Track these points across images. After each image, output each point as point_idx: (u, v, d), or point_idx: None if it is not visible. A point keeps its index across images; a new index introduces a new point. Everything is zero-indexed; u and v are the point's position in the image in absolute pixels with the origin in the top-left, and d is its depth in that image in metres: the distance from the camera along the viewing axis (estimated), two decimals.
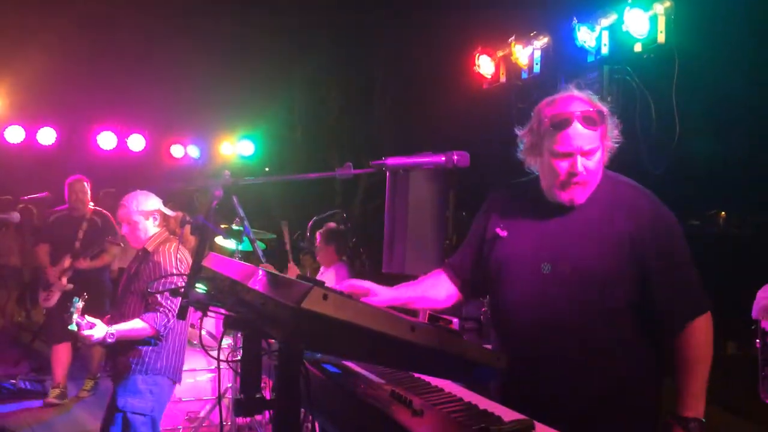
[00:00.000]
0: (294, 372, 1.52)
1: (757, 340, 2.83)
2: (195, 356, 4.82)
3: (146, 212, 3.67)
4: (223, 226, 4.77)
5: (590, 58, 4.91)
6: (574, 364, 2.07)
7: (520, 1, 6.67)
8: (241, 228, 3.84)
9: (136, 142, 9.75)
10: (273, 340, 1.82)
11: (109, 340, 3.31)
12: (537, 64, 5.57)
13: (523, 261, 2.18)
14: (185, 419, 5.03)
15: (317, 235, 5.50)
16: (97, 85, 9.98)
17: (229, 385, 5.06)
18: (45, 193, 6.20)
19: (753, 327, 2.91)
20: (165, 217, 3.73)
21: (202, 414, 5.00)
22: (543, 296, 2.11)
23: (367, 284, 2.21)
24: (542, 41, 5.52)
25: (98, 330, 3.29)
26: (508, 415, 1.53)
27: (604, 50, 4.85)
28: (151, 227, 3.66)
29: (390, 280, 2.41)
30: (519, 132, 2.25)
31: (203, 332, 5.13)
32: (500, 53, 6.03)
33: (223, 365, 2.06)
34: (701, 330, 2.08)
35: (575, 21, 4.90)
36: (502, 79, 6.02)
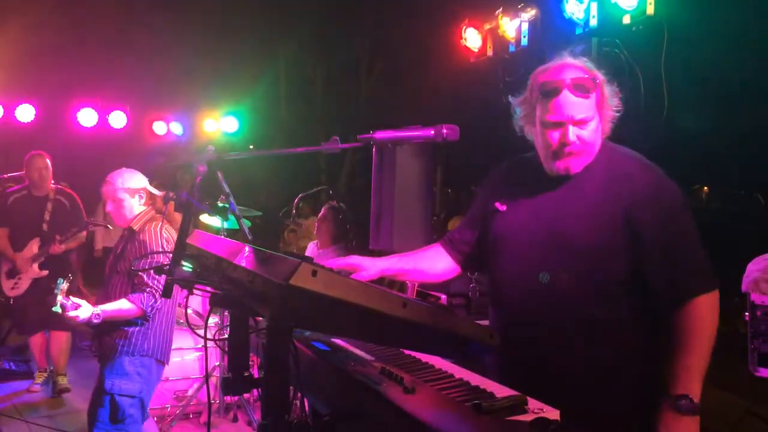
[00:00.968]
0: (282, 350, 1.49)
1: (746, 313, 2.85)
2: (182, 335, 4.79)
3: (131, 190, 3.60)
4: (207, 202, 4.71)
5: (578, 31, 4.86)
6: (569, 338, 2.04)
7: None
8: (227, 205, 3.79)
9: (118, 119, 9.58)
10: (261, 318, 1.79)
11: (95, 321, 3.26)
12: (524, 36, 5.51)
13: (518, 234, 2.14)
14: (173, 398, 5.01)
15: (323, 209, 5.36)
16: (77, 61, 9.79)
17: (217, 363, 5.05)
18: (23, 172, 5.68)
19: (736, 299, 2.93)
20: (151, 196, 3.66)
21: (189, 393, 4.98)
22: (537, 269, 2.07)
23: (356, 259, 2.18)
24: (530, 13, 5.45)
25: (84, 311, 3.25)
26: (500, 391, 1.51)
27: (593, 22, 4.80)
28: (136, 205, 3.60)
29: (377, 256, 2.38)
30: (513, 101, 2.21)
31: (189, 311, 5.11)
32: (487, 26, 5.95)
33: (210, 344, 2.03)
34: (704, 308, 1.98)
35: None
36: (490, 52, 5.96)
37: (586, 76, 2.04)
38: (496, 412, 1.36)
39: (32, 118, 9.03)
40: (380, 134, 2.11)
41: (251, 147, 11.90)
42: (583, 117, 2.02)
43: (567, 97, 2.01)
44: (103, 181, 3.69)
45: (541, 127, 2.09)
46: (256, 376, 1.72)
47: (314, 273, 1.25)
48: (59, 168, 5.92)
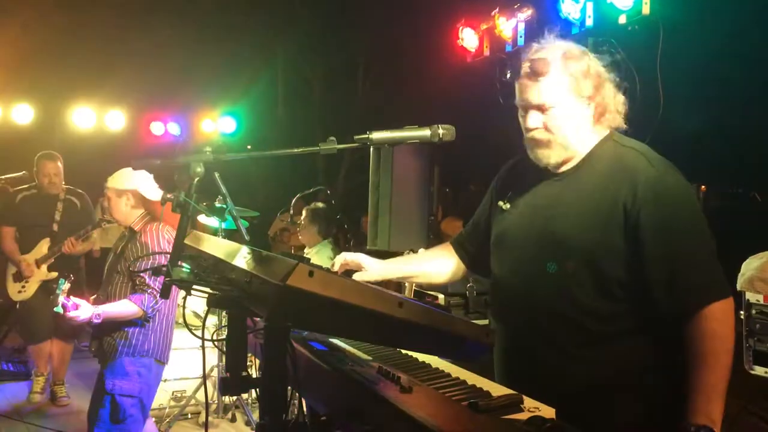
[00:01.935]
0: (280, 350, 1.50)
1: (742, 312, 2.87)
2: (181, 335, 4.79)
3: (118, 191, 3.58)
4: (204, 203, 4.71)
5: (575, 30, 4.88)
6: (565, 343, 1.93)
7: None
8: (224, 206, 3.78)
9: (115, 120, 9.59)
10: (259, 318, 1.80)
11: (96, 321, 3.27)
12: (521, 36, 5.52)
13: (517, 232, 2.05)
14: (171, 398, 5.02)
15: (303, 211, 5.44)
16: (75, 61, 9.78)
17: (215, 363, 5.05)
18: (23, 173, 5.57)
19: (741, 299, 2.94)
20: (141, 198, 3.58)
21: (188, 393, 4.99)
22: (534, 269, 1.96)
23: (361, 257, 2.19)
24: (526, 13, 5.46)
25: (84, 311, 3.25)
26: (496, 390, 1.52)
27: (589, 22, 4.82)
28: (123, 206, 3.57)
29: (375, 256, 2.39)
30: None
31: (188, 311, 5.11)
32: (484, 26, 5.97)
33: (208, 344, 2.04)
34: (718, 317, 1.75)
35: None
36: (486, 52, 5.97)
37: (541, 57, 1.89)
38: (492, 411, 1.37)
39: (29, 119, 9.03)
40: (377, 135, 2.12)
41: (249, 147, 11.90)
42: (540, 102, 1.89)
43: (522, 80, 1.93)
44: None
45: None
46: (254, 376, 1.72)
47: (311, 273, 1.26)
48: None
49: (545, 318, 1.95)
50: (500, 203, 2.13)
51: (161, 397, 4.91)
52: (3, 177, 5.62)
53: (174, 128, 10.21)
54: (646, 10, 4.37)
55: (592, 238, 1.87)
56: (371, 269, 2.13)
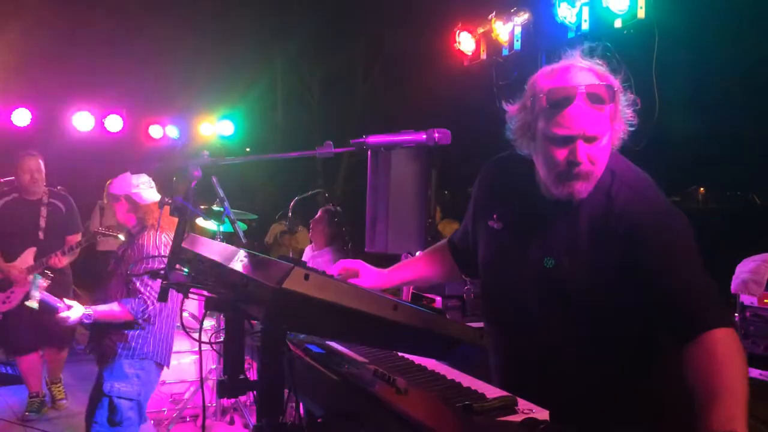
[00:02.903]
0: (277, 352, 1.51)
1: (736, 314, 2.88)
2: (179, 338, 4.79)
3: (113, 195, 3.62)
4: (202, 207, 4.72)
5: (570, 34, 4.91)
6: (564, 373, 1.86)
7: None
8: (222, 209, 3.80)
9: (114, 123, 9.57)
10: (255, 321, 1.81)
11: (86, 321, 3.28)
12: (517, 40, 5.56)
13: (511, 259, 1.94)
14: (169, 401, 5.02)
15: (320, 211, 5.45)
16: (73, 65, 9.81)
17: (213, 366, 5.06)
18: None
19: (732, 300, 2.96)
20: (135, 203, 3.58)
21: (186, 396, 5.00)
22: (529, 295, 1.89)
23: (360, 265, 2.21)
24: (522, 17, 5.50)
25: (75, 311, 3.26)
26: (491, 392, 1.53)
27: (585, 26, 4.86)
28: (119, 211, 3.60)
29: (372, 259, 2.41)
30: (508, 108, 1.90)
31: (186, 314, 5.12)
32: (480, 30, 6.00)
33: (206, 347, 2.05)
34: (727, 341, 1.63)
35: None
36: (483, 56, 6.00)
37: (603, 83, 1.73)
38: (487, 413, 1.39)
39: (28, 122, 9.03)
40: (373, 139, 2.13)
41: (247, 150, 11.92)
42: (595, 132, 1.72)
43: (580, 108, 1.70)
44: None
45: (546, 142, 1.77)
46: (252, 378, 1.73)
47: (306, 277, 1.27)
48: (55, 172, 5.82)
49: (539, 338, 1.89)
50: (490, 223, 2.01)
51: (160, 400, 4.92)
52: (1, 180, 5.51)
53: (172, 131, 10.20)
54: (641, 14, 4.40)
55: (586, 280, 1.80)
56: (368, 280, 2.14)
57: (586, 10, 4.84)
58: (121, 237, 4.72)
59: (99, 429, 3.36)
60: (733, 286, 2.86)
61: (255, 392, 1.69)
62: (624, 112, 1.79)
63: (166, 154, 9.90)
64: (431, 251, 2.41)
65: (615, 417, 1.85)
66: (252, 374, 1.84)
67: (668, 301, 1.72)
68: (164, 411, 4.96)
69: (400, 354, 1.84)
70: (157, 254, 3.40)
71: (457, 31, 6.10)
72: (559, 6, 4.89)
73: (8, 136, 8.73)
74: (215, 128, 10.59)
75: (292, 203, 5.95)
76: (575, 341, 1.84)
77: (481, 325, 2.16)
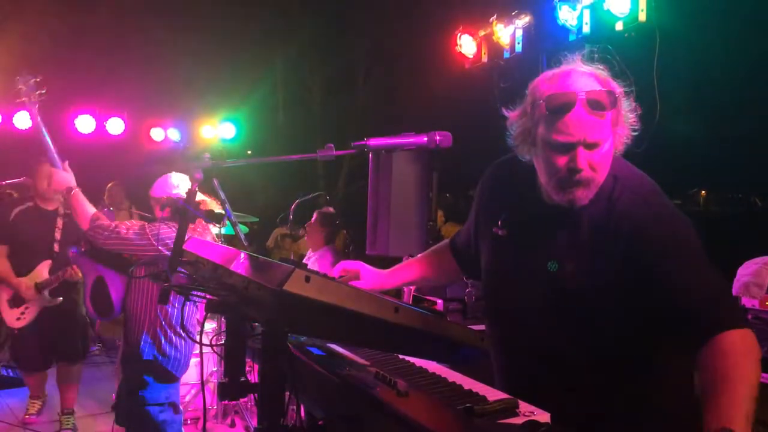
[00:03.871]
0: (278, 355, 1.51)
1: None
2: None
3: (155, 198, 3.63)
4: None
5: (572, 37, 4.92)
6: (569, 379, 1.84)
7: None
8: (223, 211, 3.81)
9: (115, 126, 9.61)
10: (257, 324, 1.81)
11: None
12: (519, 43, 5.57)
13: (516, 265, 1.91)
14: None
15: (315, 214, 5.47)
16: (75, 68, 9.81)
17: (215, 369, 5.06)
18: (23, 179, 5.17)
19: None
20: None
21: (187, 399, 5.00)
22: (534, 303, 1.87)
23: (360, 266, 2.21)
24: (524, 20, 5.51)
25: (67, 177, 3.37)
26: (492, 394, 1.53)
27: (586, 29, 4.86)
28: (159, 213, 3.61)
29: (373, 261, 2.41)
30: (508, 114, 1.88)
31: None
32: (482, 33, 6.01)
33: (207, 349, 2.05)
34: (737, 342, 1.60)
35: None
36: (484, 58, 6.01)
37: (604, 89, 1.71)
38: (488, 416, 1.38)
39: (30, 125, 9.04)
40: (374, 141, 2.13)
41: (249, 152, 11.94)
42: (596, 139, 1.70)
43: (580, 114, 1.68)
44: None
45: (546, 148, 1.76)
46: (253, 381, 1.73)
47: (307, 279, 1.27)
48: None
49: (542, 345, 1.88)
50: (494, 229, 1.98)
51: None
52: (3, 183, 5.42)
53: (174, 134, 10.22)
54: (642, 17, 4.41)
55: (589, 286, 1.78)
56: (369, 280, 2.14)
57: (587, 13, 4.85)
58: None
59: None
60: (734, 289, 2.86)
61: (256, 395, 1.69)
62: (627, 117, 1.77)
63: (168, 157, 9.91)
64: (432, 252, 2.41)
65: (616, 421, 1.84)
66: (253, 377, 1.84)
67: (679, 303, 1.68)
68: None
69: (401, 356, 1.84)
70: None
71: (459, 34, 6.11)
72: (560, 9, 4.91)
73: (10, 139, 8.75)
74: (217, 131, 10.62)
75: (293, 206, 5.95)
76: (577, 345, 1.83)
77: (482, 327, 2.15)
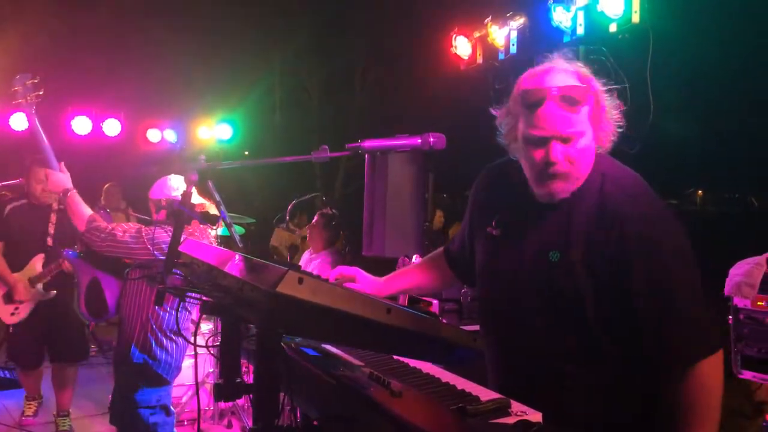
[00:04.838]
0: (272, 356, 1.52)
1: (730, 317, 2.90)
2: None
3: (153, 200, 3.63)
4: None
5: (566, 39, 4.94)
6: (559, 372, 1.85)
7: None
8: (217, 213, 3.82)
9: (112, 127, 9.59)
10: (251, 325, 1.82)
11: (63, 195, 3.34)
12: (513, 44, 5.59)
13: (510, 263, 1.93)
14: None
15: (317, 215, 5.47)
16: (72, 69, 9.80)
17: (211, 370, 5.07)
18: (19, 180, 5.07)
19: (728, 304, 2.98)
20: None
21: (183, 400, 5.00)
22: (516, 303, 1.90)
23: (357, 272, 2.22)
24: (518, 22, 5.53)
25: (64, 179, 3.34)
26: (485, 394, 1.54)
27: (580, 30, 4.88)
28: (158, 216, 3.62)
29: (370, 262, 2.43)
30: (496, 113, 1.93)
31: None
32: (477, 34, 6.03)
33: (203, 350, 2.06)
34: (707, 375, 1.69)
35: (551, 1, 4.93)
36: (479, 60, 6.03)
37: (578, 84, 1.75)
38: (480, 415, 1.40)
39: (27, 127, 9.02)
40: (368, 143, 2.14)
41: (246, 153, 11.94)
42: (570, 132, 1.74)
43: (552, 108, 1.73)
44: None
45: (525, 143, 1.81)
46: (249, 382, 1.74)
47: (300, 281, 1.28)
48: None
49: (539, 344, 1.88)
50: (488, 229, 2.01)
51: None
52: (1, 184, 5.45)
53: (170, 135, 10.21)
54: (635, 18, 4.43)
55: (570, 286, 1.79)
56: (365, 287, 2.16)
57: (581, 15, 4.87)
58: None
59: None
60: (727, 288, 2.88)
61: (251, 395, 1.70)
62: (611, 113, 1.79)
63: (164, 159, 9.91)
64: (427, 260, 2.43)
65: (608, 421, 1.85)
66: (250, 378, 1.86)
67: (652, 327, 1.72)
68: None
69: (396, 357, 1.86)
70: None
71: (454, 36, 6.13)
72: (554, 10, 4.92)
73: (7, 141, 8.74)
74: (213, 132, 10.61)
75: (289, 206, 5.97)
76: (570, 344, 1.84)
77: (476, 327, 2.16)
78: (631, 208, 1.76)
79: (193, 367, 5.05)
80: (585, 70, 1.82)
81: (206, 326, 4.89)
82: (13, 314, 4.73)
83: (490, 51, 5.90)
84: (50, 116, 9.32)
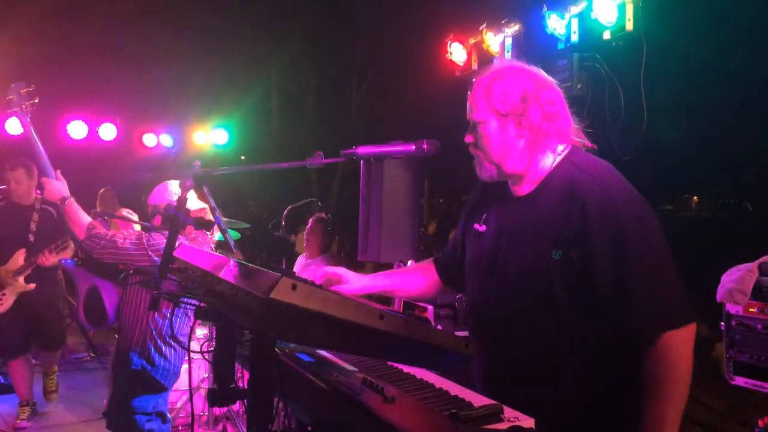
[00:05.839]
0: (266, 361, 1.53)
1: (722, 323, 2.91)
2: None
3: (153, 206, 3.62)
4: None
5: (560, 46, 4.97)
6: (542, 362, 1.89)
7: None
8: (212, 219, 3.82)
9: (108, 132, 9.58)
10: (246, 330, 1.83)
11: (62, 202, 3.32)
12: (508, 51, 5.61)
13: (489, 256, 2.01)
14: None
15: (312, 221, 5.49)
16: (67, 73, 9.81)
17: (206, 375, 5.06)
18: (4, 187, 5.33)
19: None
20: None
21: (178, 405, 4.99)
22: (495, 296, 1.96)
23: (341, 271, 2.23)
24: (513, 28, 5.56)
25: (61, 186, 3.34)
26: (478, 400, 1.55)
27: (574, 38, 4.91)
28: (157, 222, 3.61)
29: (366, 267, 2.43)
30: None
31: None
32: (472, 40, 6.06)
33: (197, 356, 2.07)
34: (674, 346, 1.70)
35: (545, 8, 4.96)
36: (474, 66, 6.05)
37: (485, 76, 1.97)
38: (473, 421, 1.40)
39: (22, 131, 9.00)
40: (363, 150, 2.16)
41: (243, 158, 11.93)
42: (472, 117, 1.96)
43: (470, 95, 1.99)
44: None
45: None
46: (245, 388, 1.75)
47: (294, 287, 1.29)
48: None
49: (520, 337, 1.92)
50: (476, 225, 2.10)
51: None
52: None
53: (166, 140, 10.20)
54: (629, 26, 4.46)
55: (534, 268, 1.85)
56: (351, 283, 2.17)
57: (575, 22, 4.90)
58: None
59: None
60: (719, 295, 2.89)
61: (246, 401, 1.71)
62: (543, 108, 1.88)
63: (159, 165, 9.89)
64: (416, 265, 2.47)
65: (600, 425, 1.86)
66: (244, 383, 1.86)
67: (619, 300, 1.73)
68: None
69: (389, 363, 1.86)
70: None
71: (449, 42, 6.15)
72: (549, 18, 4.95)
73: (2, 145, 8.72)
74: (209, 137, 10.61)
75: (285, 212, 5.97)
76: (557, 345, 1.86)
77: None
78: (593, 185, 1.81)
79: (187, 373, 5.07)
80: (528, 68, 1.96)
81: (201, 331, 4.89)
82: None
83: (485, 57, 5.93)
84: (46, 121, 9.31)
